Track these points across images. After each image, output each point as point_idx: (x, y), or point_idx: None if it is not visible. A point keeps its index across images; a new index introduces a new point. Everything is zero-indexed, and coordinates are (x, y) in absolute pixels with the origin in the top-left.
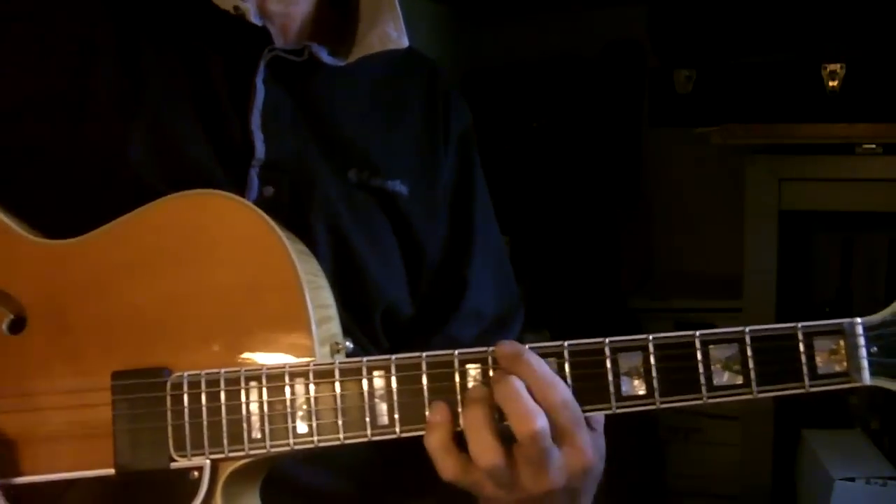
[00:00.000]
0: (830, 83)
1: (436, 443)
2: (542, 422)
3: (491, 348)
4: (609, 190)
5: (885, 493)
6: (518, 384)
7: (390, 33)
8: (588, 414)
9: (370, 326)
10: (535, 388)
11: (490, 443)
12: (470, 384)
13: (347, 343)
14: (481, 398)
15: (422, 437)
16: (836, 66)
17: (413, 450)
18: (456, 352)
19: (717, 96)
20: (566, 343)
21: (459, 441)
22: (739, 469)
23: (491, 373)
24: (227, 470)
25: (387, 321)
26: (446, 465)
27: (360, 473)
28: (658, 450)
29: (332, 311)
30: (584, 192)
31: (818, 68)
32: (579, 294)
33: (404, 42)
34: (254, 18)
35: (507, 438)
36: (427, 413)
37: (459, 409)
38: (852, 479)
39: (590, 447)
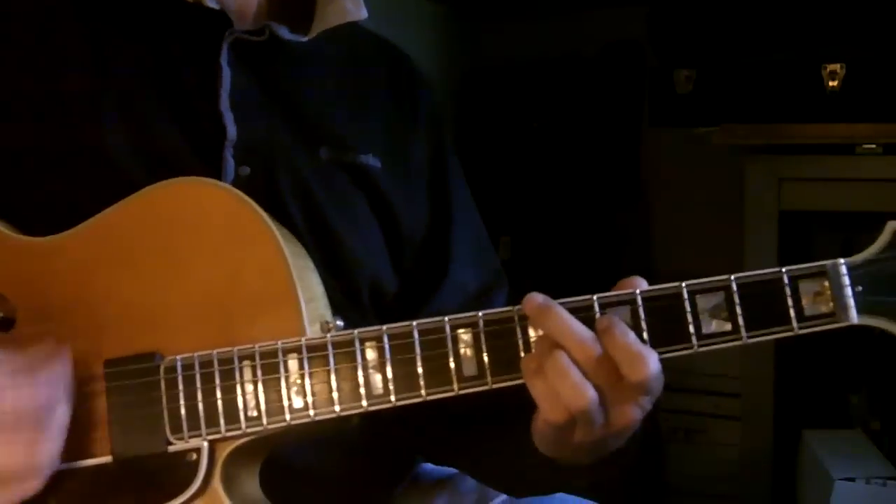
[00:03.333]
0: (830, 83)
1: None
2: (591, 392)
3: (481, 312)
4: (609, 190)
5: (885, 493)
6: (564, 360)
7: (348, 6)
8: None
9: (359, 304)
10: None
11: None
12: (461, 349)
13: (338, 321)
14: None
15: (414, 404)
16: (836, 66)
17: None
18: (446, 318)
19: (717, 96)
20: (558, 302)
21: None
22: (739, 469)
23: (483, 336)
24: (225, 450)
25: (373, 297)
26: (556, 407)
27: (359, 454)
28: (658, 450)
29: (320, 290)
30: (583, 192)
31: (818, 68)
32: (579, 294)
33: (363, 13)
34: (209, 2)
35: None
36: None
37: (454, 373)
38: (852, 479)
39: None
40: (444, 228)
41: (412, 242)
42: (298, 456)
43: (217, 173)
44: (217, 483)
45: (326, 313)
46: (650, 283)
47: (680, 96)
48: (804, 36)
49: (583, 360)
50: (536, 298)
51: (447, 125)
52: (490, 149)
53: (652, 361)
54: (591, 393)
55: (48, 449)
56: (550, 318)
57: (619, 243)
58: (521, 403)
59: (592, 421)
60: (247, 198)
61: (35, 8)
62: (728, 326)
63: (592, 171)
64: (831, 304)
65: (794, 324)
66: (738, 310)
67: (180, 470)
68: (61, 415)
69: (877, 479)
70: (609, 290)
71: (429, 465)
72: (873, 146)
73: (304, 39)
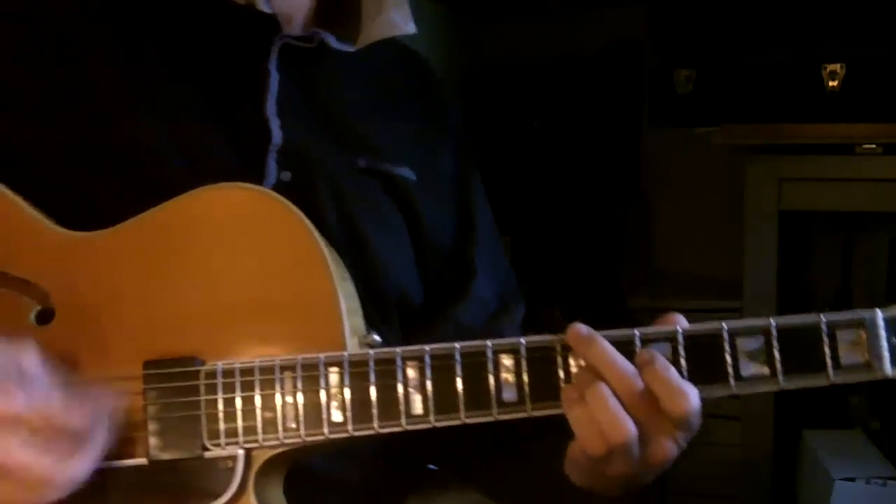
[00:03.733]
0: (830, 83)
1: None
2: (631, 426)
3: (523, 339)
4: (609, 190)
5: (885, 493)
6: (605, 391)
7: (396, 20)
8: None
9: (387, 314)
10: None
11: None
12: (503, 375)
13: (375, 336)
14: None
15: (441, 427)
16: (836, 66)
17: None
18: (489, 342)
19: (717, 96)
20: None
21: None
22: (739, 469)
23: (524, 363)
24: (260, 459)
25: (400, 309)
26: (594, 438)
27: (380, 465)
28: None
29: (357, 303)
30: (584, 192)
31: (818, 68)
32: (579, 294)
33: (411, 28)
34: (263, 6)
35: None
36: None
37: (494, 397)
38: (852, 479)
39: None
40: (468, 244)
41: (438, 255)
42: (317, 464)
43: (259, 177)
44: (250, 491)
45: (362, 326)
46: (650, 283)
47: (680, 96)
48: (804, 36)
49: (624, 393)
50: (580, 329)
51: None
52: (490, 149)
53: (692, 397)
54: (630, 426)
55: (81, 468)
56: (593, 349)
57: (619, 243)
58: (551, 433)
59: (630, 454)
60: (292, 205)
61: (81, 3)
62: (766, 371)
63: (592, 171)
64: (867, 354)
65: (830, 372)
66: (777, 355)
67: (215, 476)
68: (101, 440)
69: (877, 479)
70: (646, 323)
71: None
72: (873, 146)
73: (352, 50)
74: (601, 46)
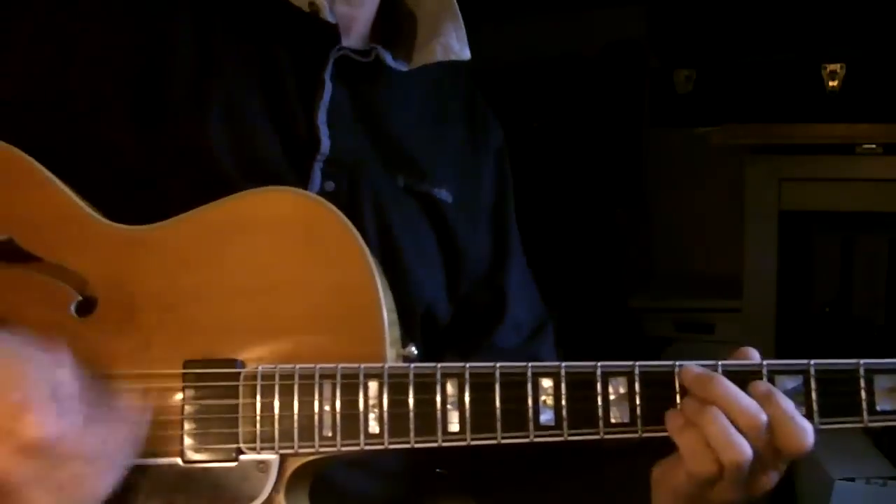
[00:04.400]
0: (830, 83)
1: (696, 439)
2: (749, 449)
3: (563, 364)
4: (609, 190)
5: (885, 493)
6: (721, 417)
7: (453, 44)
8: None
9: (410, 326)
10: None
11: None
12: (542, 398)
13: (412, 348)
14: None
15: (482, 445)
16: (836, 66)
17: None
18: (529, 365)
19: (717, 96)
20: (637, 364)
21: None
22: None
23: (563, 387)
24: (293, 466)
25: (426, 325)
26: (706, 460)
27: (397, 478)
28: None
29: (395, 315)
30: (584, 192)
31: (818, 68)
32: (579, 294)
33: (466, 54)
34: (328, 16)
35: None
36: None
37: (531, 419)
38: (852, 479)
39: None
40: (502, 265)
41: (471, 276)
42: (338, 475)
43: (304, 184)
44: (282, 497)
45: (399, 339)
46: (650, 283)
47: (680, 96)
48: (804, 36)
49: (747, 427)
50: (694, 371)
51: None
52: None
53: (811, 434)
54: (747, 447)
55: (106, 485)
56: (714, 389)
57: (619, 243)
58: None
59: (740, 479)
60: (341, 214)
61: (152, 7)
62: (803, 411)
63: (593, 171)
64: None
65: (865, 416)
66: (814, 395)
67: (248, 479)
68: (117, 466)
69: (877, 479)
70: (646, 323)
71: None
72: (873, 146)
73: (405, 69)
74: (601, 46)
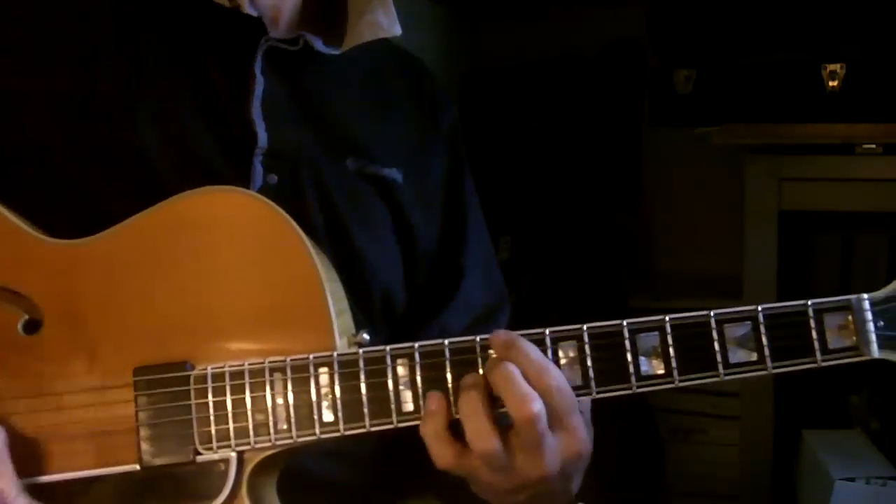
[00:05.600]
0: (830, 83)
1: (431, 431)
2: (538, 405)
3: (514, 333)
4: (609, 190)
5: (885, 493)
6: (512, 368)
7: (381, 21)
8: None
9: (371, 317)
10: (529, 373)
11: (486, 427)
12: None
13: (364, 335)
14: (475, 384)
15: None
16: (836, 66)
17: (414, 442)
18: (478, 338)
19: (717, 96)
20: (585, 326)
21: (456, 430)
22: (739, 469)
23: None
24: (253, 461)
25: (385, 311)
26: (441, 453)
27: (370, 465)
28: (658, 450)
29: (346, 303)
30: (584, 192)
31: (818, 68)
32: (579, 294)
33: (396, 30)
34: (248, 9)
35: (502, 426)
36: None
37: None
38: (852, 479)
39: (583, 431)
40: (457, 246)
41: (425, 257)
42: (310, 464)
43: (245, 180)
44: (244, 493)
45: (352, 327)
46: (650, 283)
47: (680, 96)
48: (804, 36)
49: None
50: (499, 336)
51: (463, 141)
52: (490, 149)
53: (536, 403)
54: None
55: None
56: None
57: (619, 243)
58: None
59: (496, 467)
60: (280, 210)
61: (72, 4)
62: (754, 356)
63: (592, 171)
64: (854, 337)
65: (818, 355)
66: (765, 340)
67: (208, 479)
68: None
69: (877, 479)
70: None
71: None
72: (873, 146)
73: (337, 52)
74: (601, 46)
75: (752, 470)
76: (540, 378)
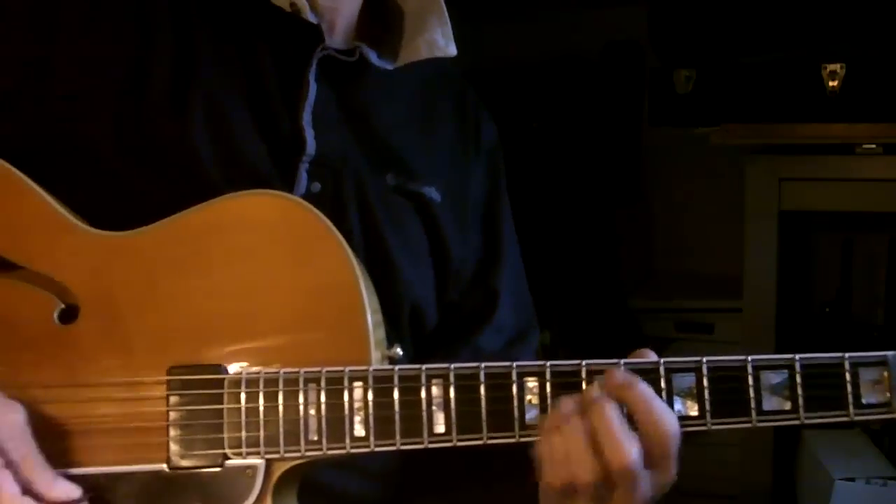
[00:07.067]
0: (830, 83)
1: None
2: (635, 453)
3: (549, 363)
4: (609, 190)
5: (885, 493)
6: (613, 412)
7: (438, 41)
8: None
9: (398, 326)
10: (643, 417)
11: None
12: (527, 397)
13: (398, 349)
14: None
15: (462, 446)
16: (836, 66)
17: (426, 458)
18: (514, 364)
19: (717, 96)
20: (622, 361)
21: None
22: (739, 469)
23: (548, 386)
24: (280, 470)
25: (413, 322)
26: (556, 473)
27: (387, 479)
28: None
29: (381, 315)
30: (584, 192)
31: (818, 68)
32: (579, 294)
33: (452, 50)
34: (309, 16)
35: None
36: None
37: (517, 419)
38: (852, 479)
39: (675, 466)
40: (492, 269)
41: (460, 278)
42: (327, 476)
43: (289, 186)
44: (269, 501)
45: (384, 340)
46: (650, 283)
47: (680, 96)
48: (804, 36)
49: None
50: (617, 377)
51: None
52: None
53: (634, 451)
54: (636, 448)
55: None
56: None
57: (619, 243)
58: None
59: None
60: (324, 217)
61: (132, 9)
62: (788, 406)
63: (592, 171)
64: (888, 394)
65: (851, 409)
66: (799, 390)
67: (235, 484)
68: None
69: (877, 479)
70: (645, 323)
71: None
72: (873, 146)
73: (390, 67)
74: (601, 46)
75: (752, 470)
76: (657, 423)
